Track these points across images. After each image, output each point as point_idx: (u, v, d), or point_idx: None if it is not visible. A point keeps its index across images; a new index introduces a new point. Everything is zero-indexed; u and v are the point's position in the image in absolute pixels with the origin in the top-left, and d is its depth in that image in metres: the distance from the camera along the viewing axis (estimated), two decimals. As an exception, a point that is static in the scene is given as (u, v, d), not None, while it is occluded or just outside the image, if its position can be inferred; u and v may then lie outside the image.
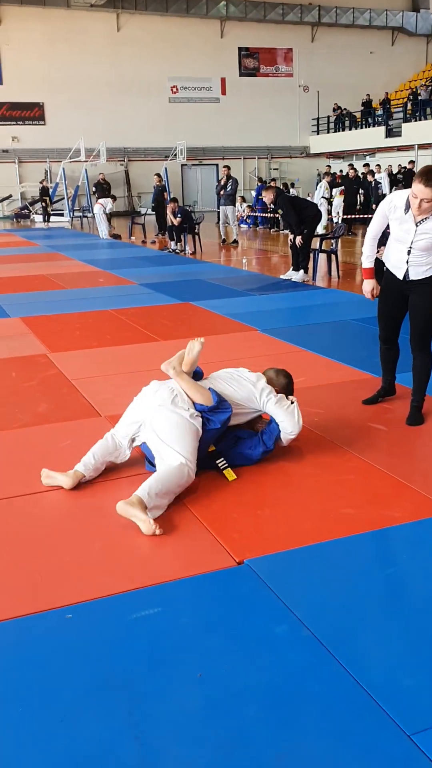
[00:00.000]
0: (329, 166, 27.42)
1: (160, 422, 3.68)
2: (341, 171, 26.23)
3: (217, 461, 3.89)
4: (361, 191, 21.46)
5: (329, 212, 19.71)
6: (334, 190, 20.42)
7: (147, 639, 2.55)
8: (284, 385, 4.19)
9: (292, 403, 4.01)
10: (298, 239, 10.82)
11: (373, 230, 4.81)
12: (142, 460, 3.97)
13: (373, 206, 19.34)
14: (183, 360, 3.92)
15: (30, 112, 32.15)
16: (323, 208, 19.16)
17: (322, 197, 19.72)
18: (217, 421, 3.76)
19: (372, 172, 21.61)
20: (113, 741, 2.08)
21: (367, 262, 4.92)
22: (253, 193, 25.75)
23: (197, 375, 4.06)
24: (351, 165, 24.95)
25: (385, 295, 4.87)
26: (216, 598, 2.80)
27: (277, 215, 15.34)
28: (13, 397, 5.37)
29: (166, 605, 2.75)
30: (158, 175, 20.65)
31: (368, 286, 4.94)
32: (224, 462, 3.89)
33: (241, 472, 3.91)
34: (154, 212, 20.57)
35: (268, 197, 11.12)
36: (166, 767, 2.00)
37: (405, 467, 3.99)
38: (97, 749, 2.06)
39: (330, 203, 20.12)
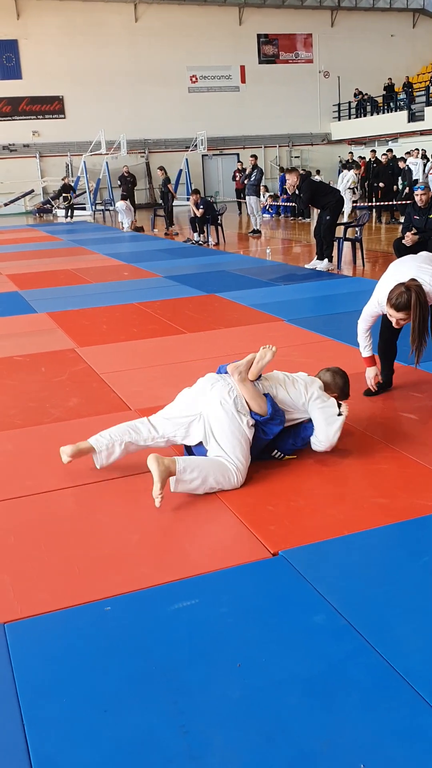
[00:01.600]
0: (351, 153, 27.15)
1: (218, 422, 3.65)
2: (360, 157, 26.00)
3: (273, 453, 3.93)
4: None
5: (354, 201, 19.45)
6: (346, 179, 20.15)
7: (186, 630, 2.58)
8: (341, 386, 4.12)
9: (340, 414, 3.85)
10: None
11: (365, 325, 4.79)
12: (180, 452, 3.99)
13: (406, 190, 19.10)
14: (251, 366, 3.79)
15: (50, 106, 32.23)
16: (347, 197, 19.02)
17: (348, 188, 19.50)
18: (270, 433, 3.74)
19: (402, 159, 21.34)
20: (159, 731, 2.12)
21: (365, 351, 4.87)
22: (277, 184, 25.69)
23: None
24: (373, 151, 24.80)
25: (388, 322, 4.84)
26: (253, 589, 2.83)
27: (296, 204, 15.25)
28: (44, 392, 5.42)
29: (204, 597, 2.78)
30: (161, 168, 20.72)
31: (371, 372, 4.90)
32: (280, 454, 3.95)
33: (274, 464, 3.93)
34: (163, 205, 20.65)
35: (291, 179, 11.07)
36: (213, 756, 2.03)
37: (437, 455, 3.99)
38: (143, 739, 2.10)
39: (355, 192, 19.86)
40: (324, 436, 3.83)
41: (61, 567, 3.02)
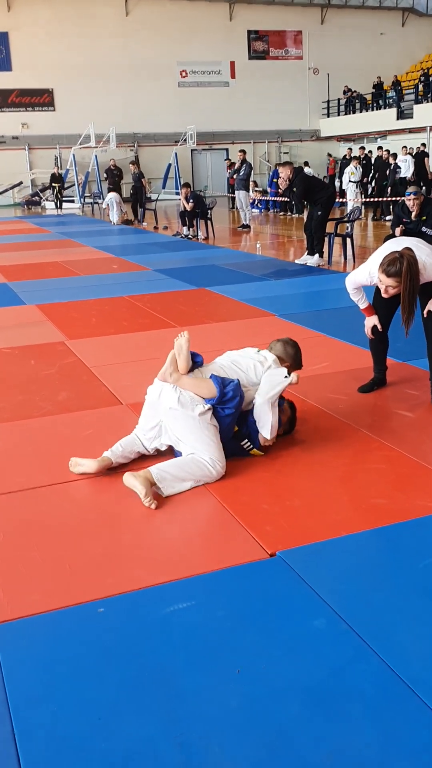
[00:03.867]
0: (350, 149, 26.97)
1: (175, 428, 3.67)
2: (346, 152, 25.87)
3: (242, 443, 3.86)
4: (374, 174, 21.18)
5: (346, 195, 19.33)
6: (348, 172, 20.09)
7: (182, 634, 2.49)
8: (293, 355, 4.13)
9: (286, 377, 3.83)
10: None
11: (352, 287, 4.79)
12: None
13: (389, 189, 19.02)
14: (176, 362, 3.76)
15: (39, 99, 31.91)
16: (352, 193, 19.00)
17: (351, 181, 19.40)
18: (230, 407, 3.69)
19: (394, 155, 21.25)
20: (155, 741, 2.02)
21: (362, 304, 4.86)
22: (266, 179, 25.55)
23: (196, 363, 3.91)
24: (362, 148, 24.74)
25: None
26: (250, 591, 2.74)
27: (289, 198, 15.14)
28: (33, 385, 5.31)
29: (200, 599, 2.68)
30: (133, 162, 20.76)
31: (371, 322, 4.87)
32: (249, 444, 3.86)
33: (269, 462, 3.85)
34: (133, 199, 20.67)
35: (285, 173, 10.95)
36: (212, 769, 1.95)
37: (435, 454, 3.91)
38: (138, 750, 2.00)
39: (359, 186, 19.73)
40: (263, 394, 3.76)
41: (53, 566, 2.92)
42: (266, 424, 3.78)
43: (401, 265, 4.15)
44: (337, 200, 15.94)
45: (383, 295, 4.44)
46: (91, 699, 2.20)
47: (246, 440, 3.86)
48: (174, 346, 3.79)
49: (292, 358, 4.13)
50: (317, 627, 2.50)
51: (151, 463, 3.66)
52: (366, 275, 4.58)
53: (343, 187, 20.66)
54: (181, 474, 3.51)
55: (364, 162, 22.25)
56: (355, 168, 19.76)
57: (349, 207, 18.53)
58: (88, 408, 4.78)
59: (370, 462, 3.87)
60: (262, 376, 3.86)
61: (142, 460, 3.84)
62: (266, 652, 2.39)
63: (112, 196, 19.96)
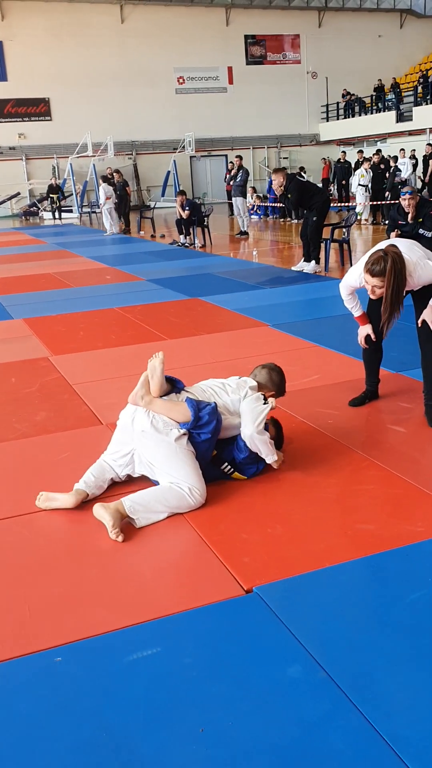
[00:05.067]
0: (344, 152, 26.76)
1: (149, 454, 3.46)
2: (340, 155, 25.67)
3: (222, 467, 3.65)
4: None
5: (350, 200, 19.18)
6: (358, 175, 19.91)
7: (144, 686, 2.27)
8: (278, 383, 3.94)
9: (266, 403, 3.65)
10: None
11: (345, 291, 4.58)
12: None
13: (387, 194, 18.79)
14: (149, 384, 3.56)
15: (36, 108, 31.80)
16: (361, 197, 18.84)
17: (360, 185, 19.20)
18: (206, 431, 3.47)
19: (395, 158, 21.01)
20: None
21: (356, 311, 4.67)
22: (266, 185, 25.37)
23: (176, 388, 3.68)
24: (360, 151, 24.53)
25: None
26: (221, 634, 2.51)
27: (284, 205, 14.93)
28: (11, 405, 5.11)
29: (166, 644, 2.46)
30: (118, 171, 20.75)
31: (364, 332, 4.67)
32: (229, 467, 3.65)
33: (251, 485, 3.63)
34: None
35: (278, 180, 10.75)
36: None
37: (428, 474, 3.68)
38: None
39: (368, 190, 19.53)
40: (245, 427, 3.55)
41: (10, 608, 2.71)
42: (268, 452, 3.60)
43: (385, 264, 3.96)
44: (334, 205, 15.72)
45: (371, 296, 4.24)
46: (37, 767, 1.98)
47: (226, 464, 3.64)
48: (147, 367, 3.57)
49: (277, 385, 3.94)
50: (292, 676, 2.28)
51: (125, 490, 3.46)
52: (356, 277, 4.38)
53: (352, 191, 20.48)
54: (157, 506, 3.29)
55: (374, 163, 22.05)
56: (366, 171, 19.55)
57: (358, 210, 18.39)
58: (67, 429, 4.58)
59: (360, 483, 3.65)
60: (241, 404, 3.64)
61: (117, 486, 3.63)
62: (234, 706, 2.17)
63: (109, 205, 19.38)
